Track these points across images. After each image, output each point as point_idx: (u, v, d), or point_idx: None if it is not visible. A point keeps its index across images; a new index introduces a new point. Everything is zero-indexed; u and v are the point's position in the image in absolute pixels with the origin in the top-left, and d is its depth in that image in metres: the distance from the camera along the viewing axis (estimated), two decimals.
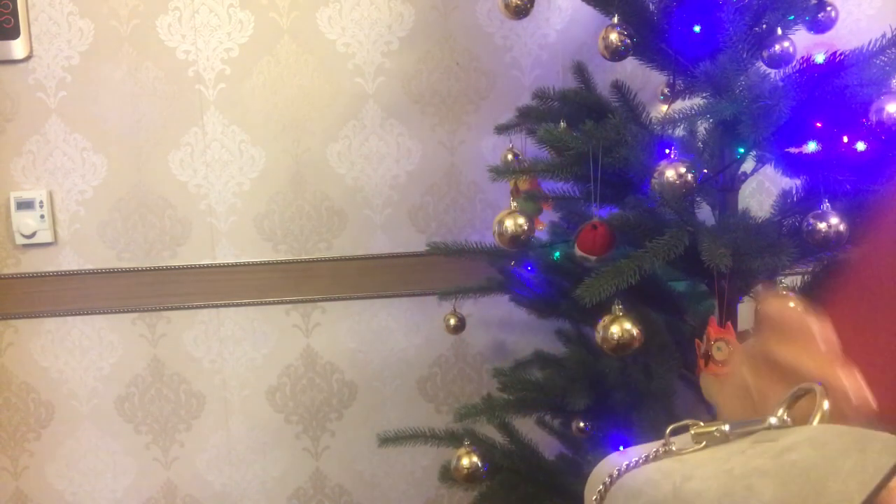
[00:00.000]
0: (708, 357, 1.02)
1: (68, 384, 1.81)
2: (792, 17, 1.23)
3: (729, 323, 1.11)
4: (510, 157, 1.50)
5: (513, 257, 1.45)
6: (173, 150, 1.75)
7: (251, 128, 1.75)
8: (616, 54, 1.22)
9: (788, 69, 1.17)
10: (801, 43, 1.24)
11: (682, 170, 1.04)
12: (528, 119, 1.48)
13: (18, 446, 1.83)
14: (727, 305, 1.19)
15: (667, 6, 1.23)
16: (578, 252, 1.17)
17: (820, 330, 0.53)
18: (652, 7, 1.26)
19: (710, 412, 1.32)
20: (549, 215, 1.52)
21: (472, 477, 1.35)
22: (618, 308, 1.12)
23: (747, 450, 0.48)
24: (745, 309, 1.20)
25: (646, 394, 1.32)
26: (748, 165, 1.28)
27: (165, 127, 1.74)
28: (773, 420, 0.50)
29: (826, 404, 0.47)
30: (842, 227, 1.07)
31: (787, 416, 0.51)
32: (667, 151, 1.08)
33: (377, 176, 1.78)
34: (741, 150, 1.19)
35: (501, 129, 1.54)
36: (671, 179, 1.04)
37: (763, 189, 1.76)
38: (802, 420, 0.50)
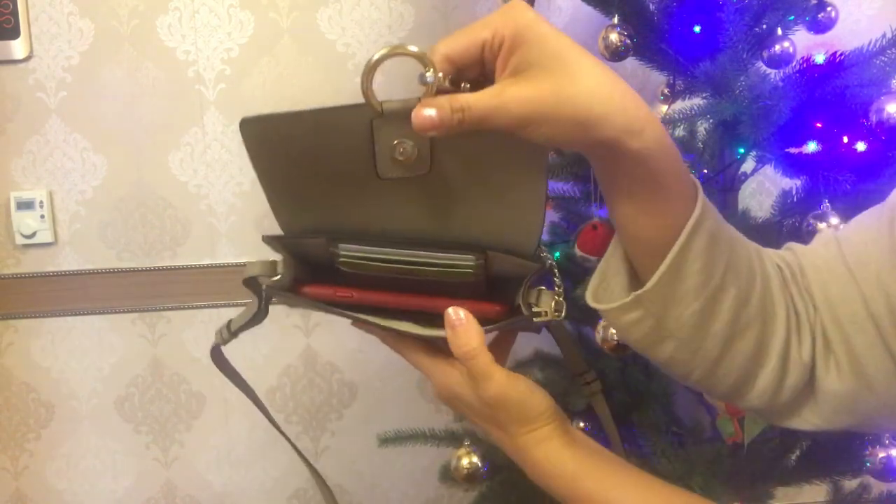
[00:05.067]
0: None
1: (68, 384, 1.81)
2: (792, 18, 1.23)
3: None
4: None
5: None
6: (173, 150, 1.75)
7: None
8: (616, 54, 1.22)
9: (788, 69, 1.17)
10: (801, 43, 1.24)
11: None
12: None
13: (18, 446, 1.83)
14: None
15: (667, 6, 1.23)
16: (578, 252, 1.17)
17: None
18: (652, 7, 1.26)
19: (711, 413, 1.32)
20: (549, 215, 1.52)
21: (472, 477, 1.35)
22: None
23: None
24: None
25: (646, 394, 1.32)
26: (748, 165, 1.28)
27: (165, 127, 1.74)
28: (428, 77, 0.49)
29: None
30: (842, 227, 1.07)
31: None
32: None
33: None
34: (741, 151, 1.19)
35: None
36: None
37: (763, 189, 1.76)
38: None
